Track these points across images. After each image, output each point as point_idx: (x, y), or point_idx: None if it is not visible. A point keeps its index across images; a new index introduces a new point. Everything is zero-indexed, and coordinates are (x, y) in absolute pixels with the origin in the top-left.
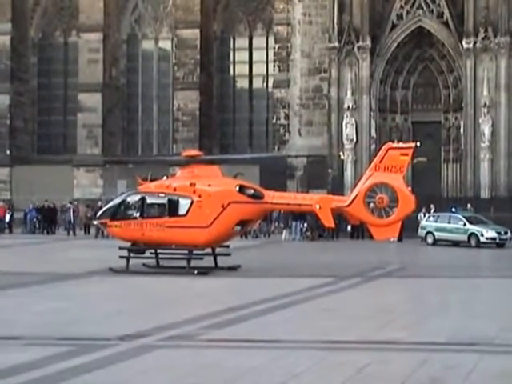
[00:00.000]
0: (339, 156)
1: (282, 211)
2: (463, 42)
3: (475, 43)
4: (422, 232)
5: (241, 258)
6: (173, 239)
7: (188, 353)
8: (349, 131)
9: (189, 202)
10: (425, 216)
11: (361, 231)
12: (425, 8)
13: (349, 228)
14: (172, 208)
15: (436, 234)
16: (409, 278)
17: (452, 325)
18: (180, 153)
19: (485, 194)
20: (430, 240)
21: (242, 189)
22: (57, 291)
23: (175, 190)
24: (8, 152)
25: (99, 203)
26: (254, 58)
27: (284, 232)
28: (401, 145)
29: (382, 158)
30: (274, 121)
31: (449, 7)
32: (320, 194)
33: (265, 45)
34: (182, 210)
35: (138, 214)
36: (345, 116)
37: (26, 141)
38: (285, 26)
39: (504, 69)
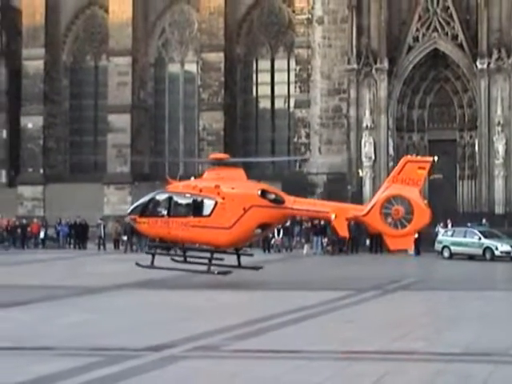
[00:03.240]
0: (358, 173)
1: (303, 227)
2: (477, 63)
3: (489, 64)
4: (438, 246)
5: (264, 272)
6: (196, 238)
7: (213, 363)
8: (367, 149)
9: (213, 203)
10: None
11: (379, 246)
12: (440, 31)
13: (367, 242)
14: (197, 208)
15: (452, 248)
16: (426, 291)
17: (467, 336)
18: (208, 155)
19: (499, 209)
20: (446, 254)
21: (263, 193)
22: (87, 304)
23: (201, 190)
24: (41, 171)
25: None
26: (275, 80)
27: (305, 246)
28: (419, 158)
29: (400, 171)
30: (296, 139)
31: (463, 30)
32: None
33: (286, 67)
34: (206, 211)
35: (165, 213)
36: (363, 135)
37: (58, 160)
38: (305, 48)
39: None
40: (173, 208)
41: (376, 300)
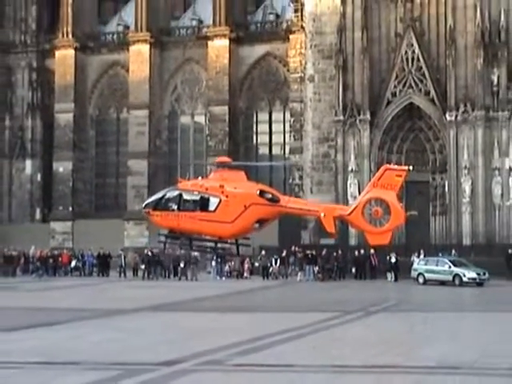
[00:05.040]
0: None
1: (297, 257)
2: (447, 115)
3: (456, 116)
4: (414, 273)
5: (262, 296)
6: (202, 230)
7: (219, 376)
8: (352, 190)
9: (217, 200)
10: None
11: (363, 273)
12: (414, 87)
13: (353, 270)
14: (203, 204)
15: (426, 275)
16: (404, 313)
17: (440, 351)
18: (213, 160)
19: (466, 241)
20: (421, 280)
21: (262, 193)
22: (109, 324)
23: (207, 189)
24: (70, 209)
25: (145, 250)
26: (273, 129)
27: (299, 274)
28: (396, 167)
29: (380, 177)
30: (290, 181)
31: (434, 86)
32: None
33: (282, 118)
34: (212, 207)
35: (175, 207)
36: (349, 177)
37: (85, 199)
38: (299, 102)
39: (481, 137)
40: (182, 203)
41: (360, 320)
